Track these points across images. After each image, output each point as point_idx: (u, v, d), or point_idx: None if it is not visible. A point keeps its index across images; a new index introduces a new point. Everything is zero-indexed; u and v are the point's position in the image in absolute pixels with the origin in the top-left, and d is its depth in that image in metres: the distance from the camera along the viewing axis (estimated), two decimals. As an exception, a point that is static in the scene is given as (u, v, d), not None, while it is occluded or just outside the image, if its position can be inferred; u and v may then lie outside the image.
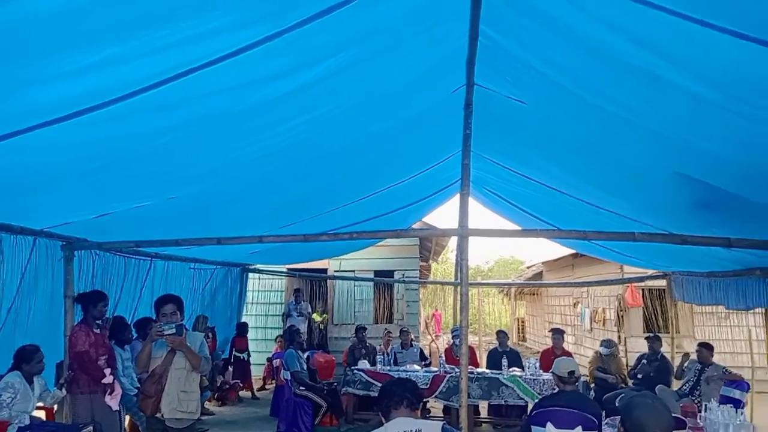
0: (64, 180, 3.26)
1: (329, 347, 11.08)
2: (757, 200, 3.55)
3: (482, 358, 9.71)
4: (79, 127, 2.45)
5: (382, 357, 8.03)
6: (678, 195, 4.13)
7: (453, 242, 14.30)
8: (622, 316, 11.36)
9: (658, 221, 4.96)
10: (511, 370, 7.43)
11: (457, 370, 4.51)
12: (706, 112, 2.66)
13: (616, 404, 5.71)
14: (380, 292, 11.92)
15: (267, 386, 10.15)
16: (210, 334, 7.99)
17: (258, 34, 2.13)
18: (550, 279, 16.71)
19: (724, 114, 2.58)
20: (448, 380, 7.09)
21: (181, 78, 2.25)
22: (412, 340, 9.00)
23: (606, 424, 4.29)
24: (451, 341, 9.20)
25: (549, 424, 3.78)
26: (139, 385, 5.18)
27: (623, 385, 7.70)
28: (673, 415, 4.71)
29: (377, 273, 11.36)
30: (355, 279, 11.19)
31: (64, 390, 4.44)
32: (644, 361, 7.50)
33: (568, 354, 7.57)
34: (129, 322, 5.99)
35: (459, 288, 4.44)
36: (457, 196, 4.11)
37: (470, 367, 7.48)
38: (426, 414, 7.76)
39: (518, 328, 22.25)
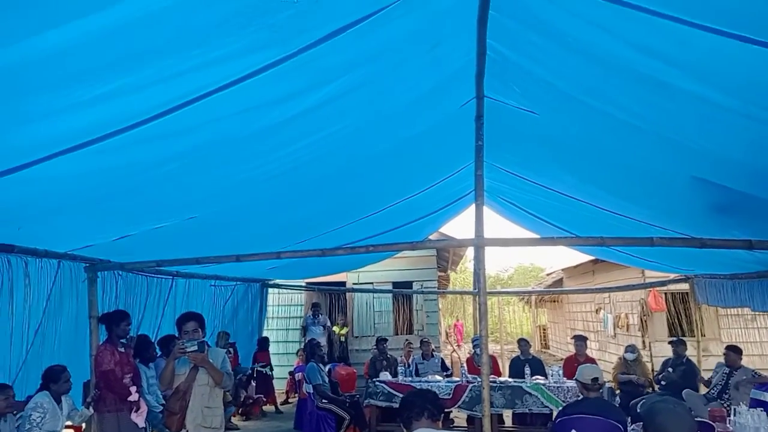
0: (82, 206, 3.35)
1: (350, 359, 11.09)
2: (776, 201, 3.51)
3: (505, 367, 9.64)
4: (93, 156, 2.53)
5: (403, 368, 8.02)
6: (696, 199, 4.10)
7: (471, 252, 14.25)
8: (645, 321, 11.19)
9: (676, 225, 4.92)
10: (534, 378, 7.36)
11: (479, 379, 4.49)
12: (717, 117, 2.66)
13: (638, 410, 5.63)
14: (399, 303, 11.92)
15: (290, 400, 10.18)
16: (231, 350, 8.06)
17: (265, 59, 2.20)
18: (571, 285, 16.53)
19: (735, 118, 2.58)
20: (470, 390, 7.05)
21: (192, 104, 2.32)
22: (433, 350, 8.97)
23: (632, 430, 4.24)
24: (472, 351, 9.15)
25: (574, 432, 3.75)
26: (164, 402, 5.25)
27: (649, 390, 7.59)
28: (701, 419, 4.66)
29: (395, 284, 11.36)
30: (374, 291, 11.20)
31: (91, 408, 4.52)
32: (669, 369, 7.39)
33: (592, 360, 7.48)
34: (153, 340, 6.07)
35: (478, 297, 4.44)
36: (473, 207, 4.13)
37: (493, 376, 7.44)
38: (450, 424, 7.73)
39: (540, 336, 22.02)
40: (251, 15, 1.87)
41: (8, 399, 3.89)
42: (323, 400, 7.06)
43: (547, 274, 22.52)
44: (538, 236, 7.38)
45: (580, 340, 8.25)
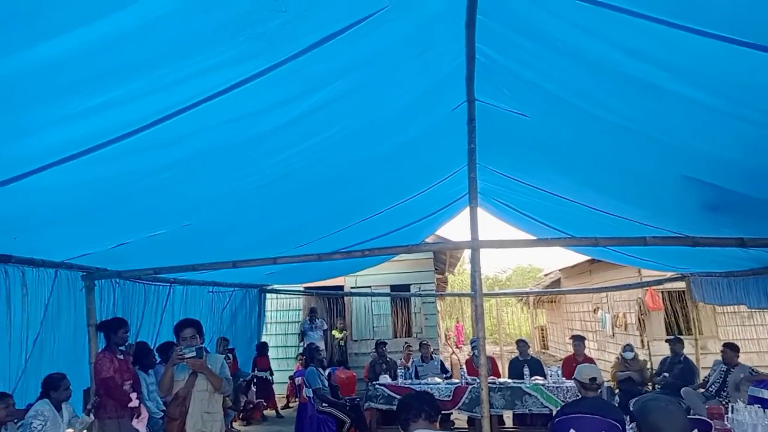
0: (78, 215, 3.38)
1: (349, 363, 11.11)
2: (766, 199, 3.55)
3: (504, 368, 9.66)
4: (88, 165, 2.55)
5: (403, 371, 8.04)
6: (688, 198, 4.14)
7: (468, 253, 14.26)
8: (643, 320, 11.23)
9: (669, 225, 4.96)
10: (533, 378, 7.39)
11: (478, 381, 4.52)
12: (706, 118, 2.69)
13: (630, 407, 5.64)
14: (397, 306, 11.94)
15: (291, 404, 10.19)
16: (230, 356, 8.07)
17: (256, 68, 2.22)
18: (568, 286, 16.55)
19: (723, 118, 2.61)
20: (470, 391, 7.08)
21: (184, 113, 2.34)
22: (432, 352, 8.99)
23: (631, 428, 4.26)
24: (471, 352, 9.18)
25: (572, 431, 3.77)
26: (164, 408, 5.27)
27: (648, 389, 7.62)
28: (699, 417, 4.68)
29: (393, 287, 11.39)
30: (372, 295, 11.23)
31: (92, 416, 4.53)
32: (665, 373, 7.41)
33: (591, 360, 7.51)
34: (152, 347, 6.09)
35: (474, 299, 4.48)
36: (468, 209, 4.17)
37: (492, 377, 7.47)
38: (450, 426, 7.75)
39: (540, 336, 22.04)
40: (241, 25, 1.90)
41: (8, 408, 3.91)
42: (323, 404, 7.08)
43: (545, 275, 22.55)
44: (533, 237, 7.41)
45: (578, 340, 8.28)
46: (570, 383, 6.90)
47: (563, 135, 3.87)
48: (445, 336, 18.00)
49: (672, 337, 8.14)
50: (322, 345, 10.22)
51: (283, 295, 11.06)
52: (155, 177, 3.04)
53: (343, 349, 11.30)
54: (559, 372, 7.36)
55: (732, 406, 4.60)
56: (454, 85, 3.43)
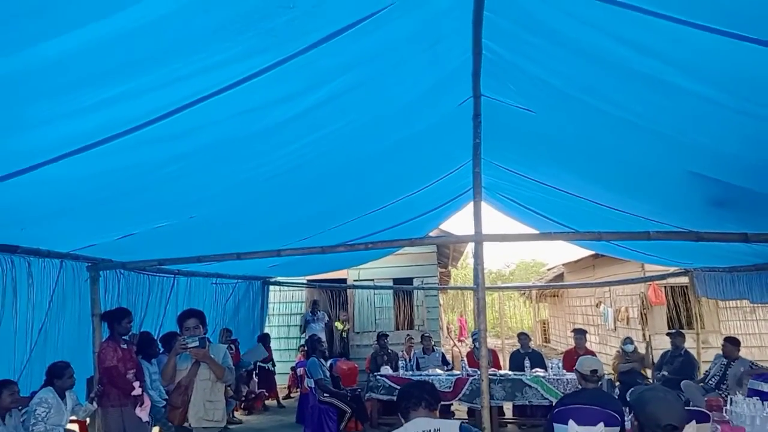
0: (84, 207, 3.40)
1: (351, 355, 11.16)
2: (770, 194, 3.55)
3: (505, 361, 9.71)
4: (95, 158, 2.57)
5: (404, 363, 8.08)
6: (692, 193, 4.14)
7: (471, 248, 14.28)
8: (645, 315, 11.24)
9: (673, 220, 4.96)
10: (533, 370, 7.43)
11: (479, 372, 4.55)
12: (711, 113, 2.69)
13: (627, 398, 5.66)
14: (400, 299, 11.98)
15: (292, 395, 10.26)
16: (233, 346, 8.12)
17: (264, 62, 2.23)
18: (571, 280, 16.56)
19: (728, 113, 2.61)
20: (470, 383, 7.11)
21: (192, 107, 2.35)
22: (433, 345, 9.03)
23: (629, 419, 4.28)
24: (473, 345, 9.22)
25: (571, 422, 3.77)
26: (167, 397, 5.31)
27: (648, 381, 7.65)
28: (698, 408, 4.69)
29: (396, 281, 11.42)
30: (375, 288, 11.26)
31: (95, 404, 4.58)
32: (664, 372, 7.41)
33: (592, 354, 7.52)
34: (155, 337, 6.13)
35: (476, 292, 4.50)
36: (472, 203, 4.18)
37: (493, 369, 7.50)
38: (451, 417, 7.79)
39: (542, 330, 22.08)
40: (249, 20, 1.90)
41: (13, 395, 3.96)
42: (325, 394, 7.12)
43: (548, 269, 22.57)
44: (536, 232, 7.41)
45: (580, 334, 8.30)
46: (570, 375, 6.93)
47: (569, 130, 3.86)
48: (447, 329, 18.03)
49: (673, 331, 8.15)
50: (323, 337, 10.27)
51: (286, 288, 11.11)
52: (162, 170, 3.06)
53: (345, 341, 11.35)
54: (560, 365, 7.39)
55: (731, 399, 4.62)
56: (460, 81, 3.43)
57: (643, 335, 11.03)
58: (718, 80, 2.41)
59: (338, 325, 11.32)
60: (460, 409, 7.88)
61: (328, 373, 7.47)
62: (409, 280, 11.42)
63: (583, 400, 3.87)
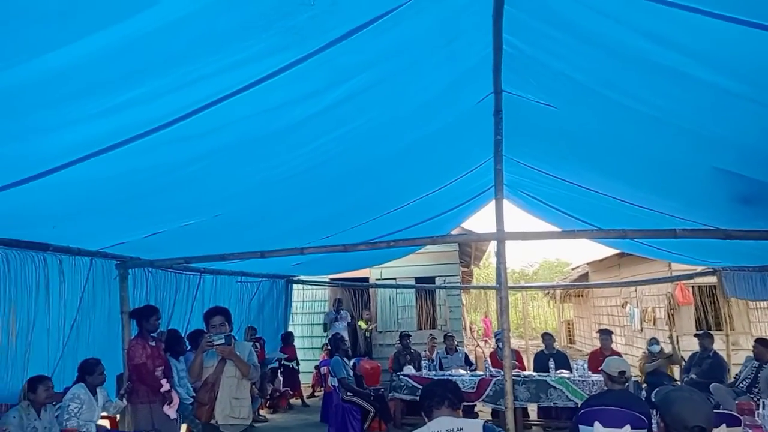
0: (112, 206, 3.49)
1: (374, 354, 11.19)
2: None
3: (529, 362, 9.63)
4: (121, 158, 2.64)
5: (427, 362, 8.08)
6: (718, 190, 4.06)
7: (493, 247, 14.18)
8: (672, 315, 11.04)
9: (700, 217, 4.87)
10: (558, 372, 7.35)
11: (502, 373, 4.52)
12: (737, 106, 2.65)
13: (652, 399, 5.56)
14: (422, 298, 11.96)
15: (316, 393, 10.34)
16: (257, 345, 8.22)
17: (285, 60, 2.26)
18: (596, 280, 16.34)
19: (751, 105, 2.56)
20: (494, 384, 7.08)
21: (214, 106, 2.39)
22: (456, 345, 9.01)
23: (656, 421, 4.22)
24: (496, 345, 9.17)
25: (597, 424, 3.73)
26: (194, 394, 5.40)
27: (676, 382, 7.52)
28: (728, 412, 4.60)
29: (418, 280, 11.42)
30: (396, 287, 11.27)
31: (124, 400, 4.68)
32: (693, 371, 7.27)
33: (618, 354, 7.43)
34: (183, 335, 6.23)
35: (499, 292, 4.48)
36: (494, 201, 4.16)
37: (517, 370, 7.45)
38: (474, 418, 7.76)
39: (567, 331, 21.82)
40: (271, 18, 1.94)
41: (48, 390, 4.07)
42: (348, 393, 7.16)
43: (573, 269, 22.30)
44: (559, 230, 7.34)
45: (605, 334, 8.19)
46: (596, 377, 6.84)
47: (591, 126, 3.83)
48: (470, 329, 17.95)
49: (701, 332, 7.99)
50: (346, 336, 10.32)
51: (309, 286, 11.20)
52: (187, 168, 3.12)
53: (368, 340, 11.38)
54: (585, 366, 7.29)
55: (763, 402, 4.51)
56: (480, 77, 3.42)
57: (671, 336, 10.84)
58: (738, 70, 2.37)
59: (362, 324, 11.36)
60: (484, 410, 7.84)
61: (351, 372, 7.51)
62: (431, 279, 11.40)
63: (609, 401, 3.82)
